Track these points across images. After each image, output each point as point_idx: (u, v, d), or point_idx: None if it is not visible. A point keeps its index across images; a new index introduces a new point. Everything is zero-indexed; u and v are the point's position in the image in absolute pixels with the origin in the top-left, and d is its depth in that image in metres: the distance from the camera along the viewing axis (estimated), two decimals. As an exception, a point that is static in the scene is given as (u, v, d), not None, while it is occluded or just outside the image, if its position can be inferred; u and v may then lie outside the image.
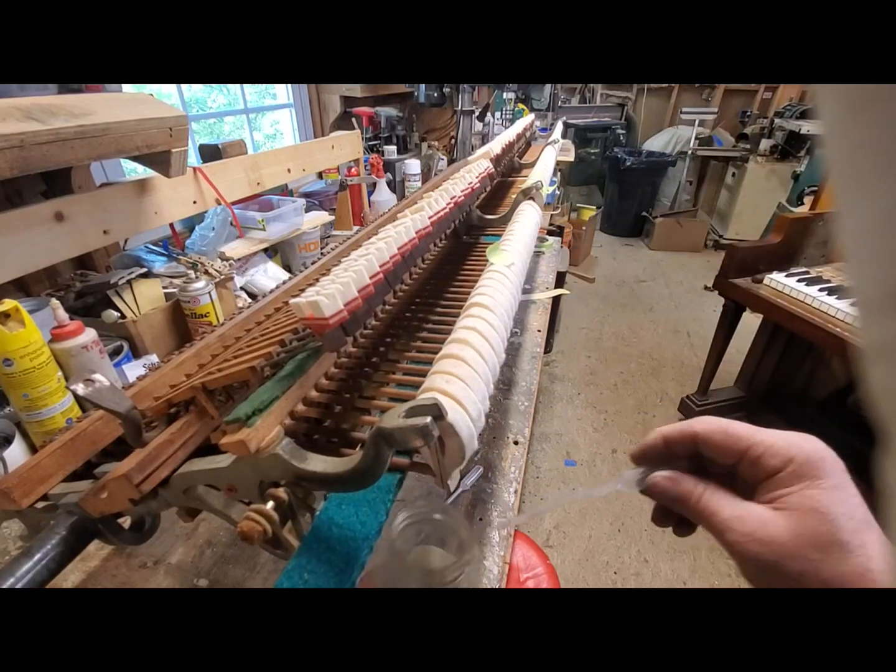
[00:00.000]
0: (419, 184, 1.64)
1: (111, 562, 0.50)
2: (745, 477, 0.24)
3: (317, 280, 0.38)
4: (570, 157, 2.03)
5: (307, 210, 1.23)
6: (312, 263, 0.65)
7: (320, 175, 1.60)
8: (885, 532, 0.14)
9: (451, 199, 0.60)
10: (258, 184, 1.04)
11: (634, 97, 4.17)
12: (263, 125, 1.92)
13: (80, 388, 0.31)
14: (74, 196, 0.69)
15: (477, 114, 2.01)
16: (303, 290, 0.36)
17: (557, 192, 2.16)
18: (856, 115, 0.11)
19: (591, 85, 4.13)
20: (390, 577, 0.37)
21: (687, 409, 1.90)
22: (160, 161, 0.75)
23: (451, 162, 1.98)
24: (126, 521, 0.37)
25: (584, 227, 3.16)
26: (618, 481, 0.28)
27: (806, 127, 2.97)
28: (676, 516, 0.27)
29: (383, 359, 0.43)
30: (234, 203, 1.00)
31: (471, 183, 0.70)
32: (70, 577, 0.48)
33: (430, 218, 0.52)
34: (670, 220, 3.70)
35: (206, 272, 0.87)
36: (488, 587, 0.46)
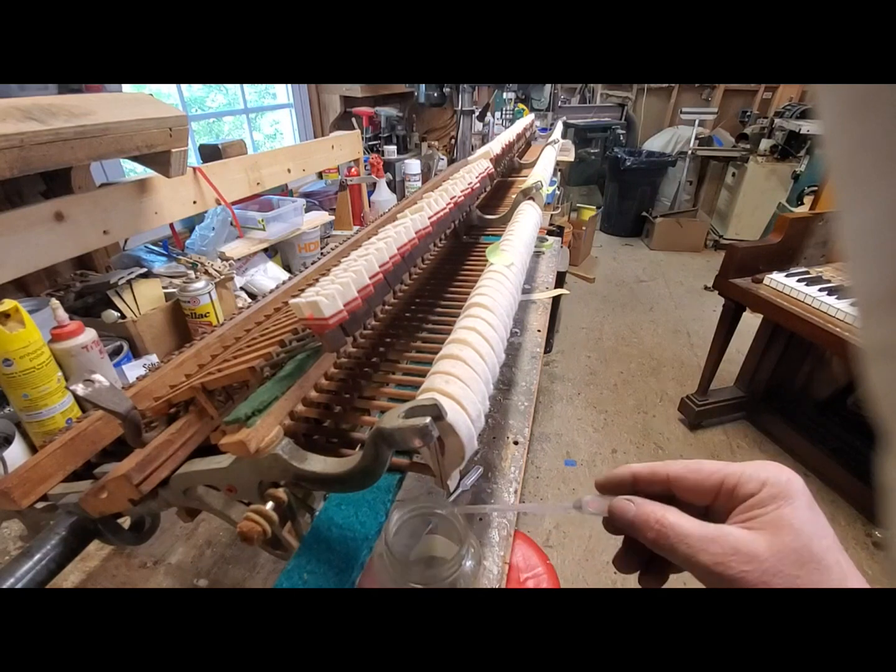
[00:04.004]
0: (419, 184, 1.64)
1: (111, 562, 0.50)
2: (719, 514, 0.24)
3: (316, 280, 0.38)
4: (570, 157, 2.03)
5: (307, 210, 1.23)
6: (312, 263, 0.65)
7: (320, 175, 1.60)
8: (885, 532, 0.14)
9: (451, 199, 0.60)
10: (258, 184, 1.04)
11: (634, 97, 4.17)
12: (263, 125, 1.92)
13: (80, 389, 0.31)
14: (74, 196, 0.69)
15: (477, 114, 2.01)
16: (302, 291, 0.36)
17: (557, 192, 2.16)
18: (856, 115, 0.11)
19: (591, 85, 4.13)
20: (395, 562, 0.37)
21: (687, 409, 1.90)
22: (160, 161, 0.75)
23: (451, 162, 1.98)
24: (126, 522, 0.37)
25: (584, 227, 3.16)
26: (572, 504, 0.27)
27: (806, 127, 2.98)
28: (641, 560, 0.27)
29: (383, 359, 0.43)
30: (234, 203, 1.00)
31: (471, 183, 0.70)
32: (70, 577, 0.48)
33: (429, 218, 0.52)
34: (670, 220, 3.70)
35: (206, 272, 0.87)
36: (488, 587, 0.46)
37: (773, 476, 0.22)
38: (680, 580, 0.27)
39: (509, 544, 0.50)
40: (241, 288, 0.99)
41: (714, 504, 0.24)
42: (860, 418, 1.61)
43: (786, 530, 0.21)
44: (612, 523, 0.26)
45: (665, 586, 0.26)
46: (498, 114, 2.68)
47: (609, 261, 3.57)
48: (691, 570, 0.22)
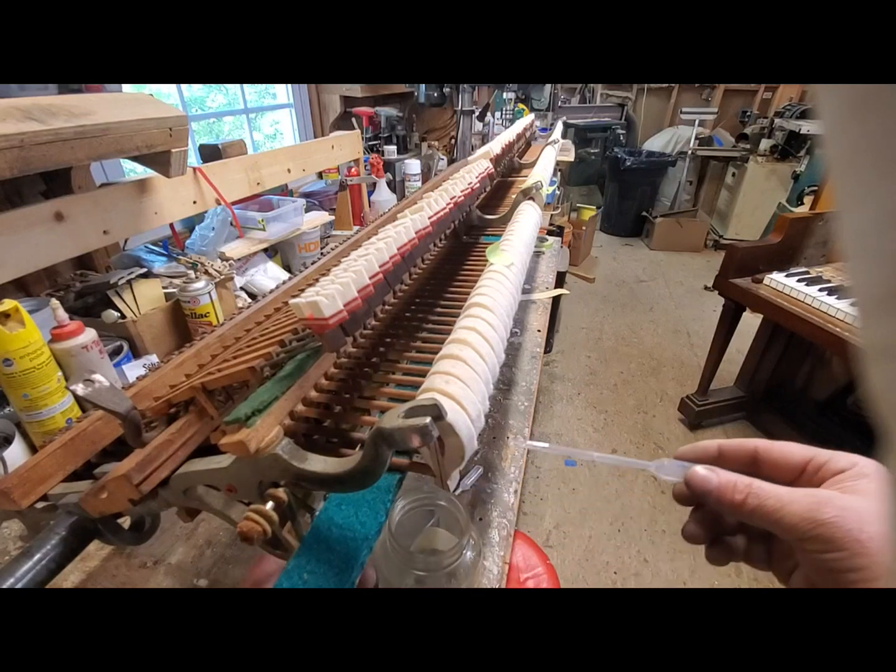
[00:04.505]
0: (419, 184, 1.64)
1: (111, 562, 0.50)
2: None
3: (316, 280, 0.38)
4: (570, 157, 2.03)
5: (307, 210, 1.23)
6: (312, 263, 0.65)
7: (320, 175, 1.60)
8: (887, 532, 0.14)
9: (451, 199, 0.60)
10: (258, 184, 1.04)
11: (634, 97, 4.17)
12: (263, 125, 1.92)
13: (80, 389, 0.31)
14: (74, 196, 0.69)
15: (477, 114, 2.01)
16: (302, 291, 0.36)
17: (557, 192, 2.16)
18: (856, 115, 0.11)
19: (591, 85, 4.13)
20: (397, 555, 0.39)
21: (687, 409, 1.90)
22: (160, 161, 0.75)
23: (451, 162, 1.98)
24: (126, 522, 0.37)
25: (584, 227, 3.16)
26: (652, 464, 0.27)
27: (806, 127, 2.98)
28: (711, 532, 0.27)
29: (383, 359, 0.43)
30: (234, 203, 1.00)
31: (471, 183, 0.70)
32: (70, 577, 0.48)
33: (429, 218, 0.52)
34: (670, 220, 3.70)
35: (206, 272, 0.87)
36: (488, 587, 0.46)
37: (864, 460, 0.23)
38: (680, 580, 0.27)
39: (509, 544, 0.50)
40: (241, 288, 0.99)
41: (797, 481, 0.24)
42: (860, 418, 1.61)
43: (877, 496, 0.21)
44: (690, 490, 0.25)
45: (663, 587, 0.26)
46: (498, 114, 2.68)
47: (609, 261, 3.57)
48: (776, 525, 0.22)
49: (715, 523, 0.27)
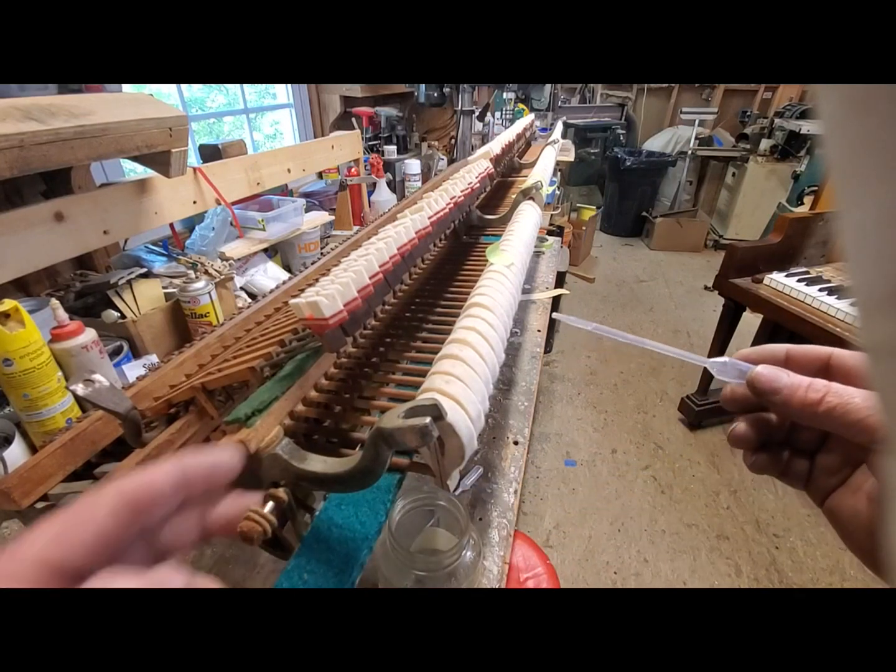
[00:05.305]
0: (419, 184, 1.64)
1: (111, 562, 0.50)
2: None
3: (316, 280, 0.38)
4: (570, 157, 2.03)
5: (307, 210, 1.23)
6: (312, 263, 0.65)
7: (320, 175, 1.60)
8: (885, 531, 0.14)
9: (451, 199, 0.60)
10: (258, 184, 1.04)
11: (634, 97, 4.17)
12: (263, 125, 1.92)
13: (80, 389, 0.31)
14: (74, 196, 0.69)
15: (477, 114, 2.01)
16: (302, 291, 0.36)
17: (557, 192, 2.16)
18: (856, 115, 0.11)
19: (591, 85, 4.13)
20: (397, 555, 0.39)
21: (687, 409, 1.90)
22: (160, 161, 0.75)
23: (451, 162, 1.98)
24: (126, 522, 0.37)
25: (584, 227, 3.16)
26: (712, 361, 0.26)
27: (806, 127, 2.98)
28: (761, 435, 0.26)
29: (383, 359, 0.43)
30: (233, 203, 1.00)
31: (471, 183, 0.70)
32: (70, 578, 0.48)
33: (429, 218, 0.52)
34: (670, 220, 3.70)
35: (206, 272, 0.87)
36: (488, 587, 0.46)
37: None
38: (680, 580, 0.27)
39: (509, 544, 0.50)
40: (241, 288, 0.99)
41: None
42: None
43: None
44: (755, 388, 0.24)
45: (663, 587, 0.26)
46: (498, 114, 2.68)
47: (609, 261, 3.57)
48: (859, 425, 0.20)
49: (763, 431, 0.26)
